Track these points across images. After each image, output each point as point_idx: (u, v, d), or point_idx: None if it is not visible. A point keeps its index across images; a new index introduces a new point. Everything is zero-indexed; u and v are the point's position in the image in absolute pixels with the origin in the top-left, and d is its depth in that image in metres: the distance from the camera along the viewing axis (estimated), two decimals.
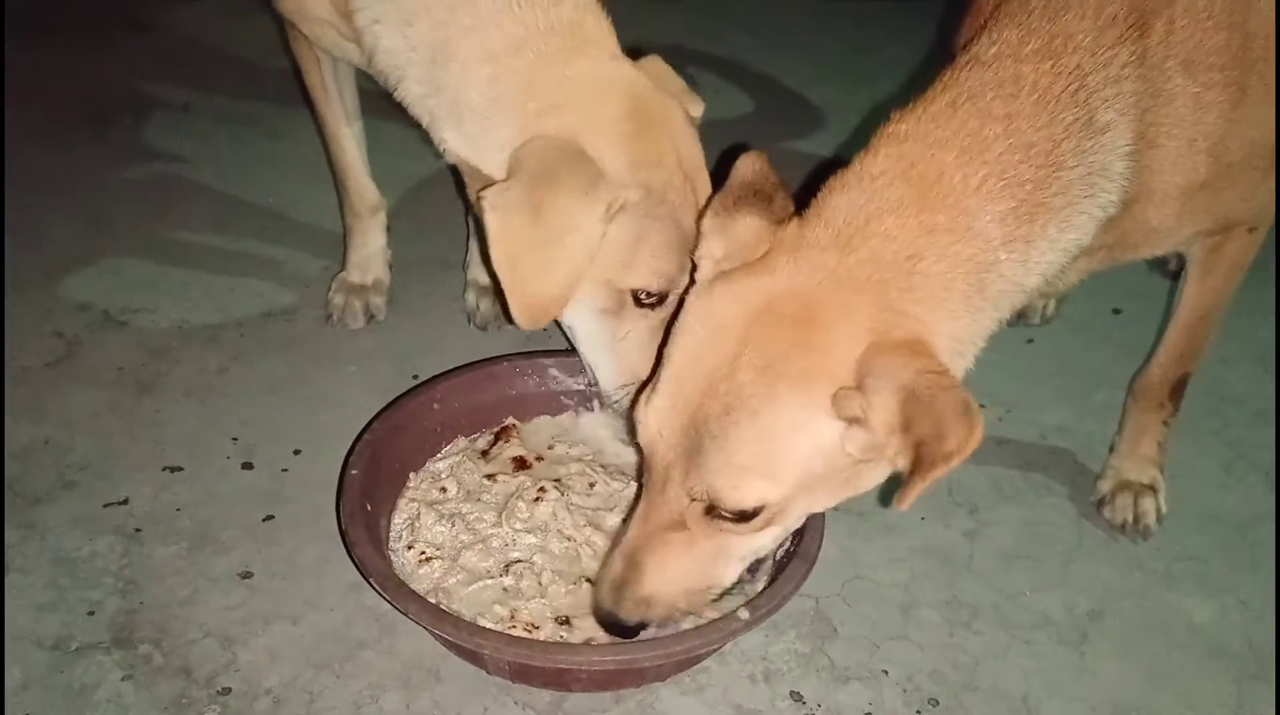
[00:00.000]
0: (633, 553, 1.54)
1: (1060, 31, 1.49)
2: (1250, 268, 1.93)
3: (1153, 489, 2.11)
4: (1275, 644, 1.88)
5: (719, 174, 1.64)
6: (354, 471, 1.83)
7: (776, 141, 3.47)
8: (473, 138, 1.77)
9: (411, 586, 1.68)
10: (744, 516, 1.44)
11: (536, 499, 1.87)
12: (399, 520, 1.89)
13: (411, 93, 1.82)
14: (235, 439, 2.17)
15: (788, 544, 1.75)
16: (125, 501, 2.01)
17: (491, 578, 1.77)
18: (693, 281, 1.56)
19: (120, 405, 2.24)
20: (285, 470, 2.11)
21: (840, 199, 1.43)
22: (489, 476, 1.95)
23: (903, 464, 1.34)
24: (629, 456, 2.03)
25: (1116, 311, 2.74)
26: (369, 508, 1.81)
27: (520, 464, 1.99)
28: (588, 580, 1.78)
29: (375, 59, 1.85)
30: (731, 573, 1.58)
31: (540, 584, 1.76)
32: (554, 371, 2.13)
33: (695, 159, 1.79)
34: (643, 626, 1.59)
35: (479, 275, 2.52)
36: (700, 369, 1.42)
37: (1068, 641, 1.87)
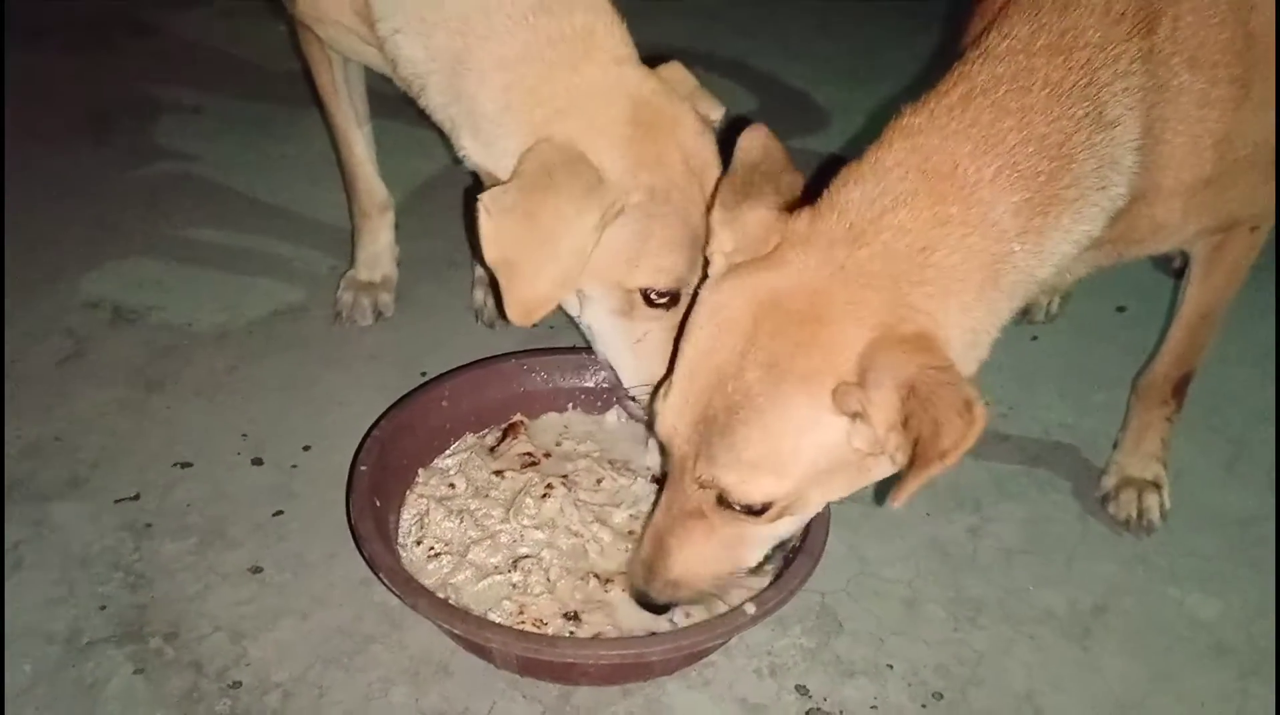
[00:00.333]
0: (659, 537, 1.59)
1: (1070, 27, 1.51)
2: (1252, 267, 1.94)
3: (1156, 485, 2.12)
4: (1277, 640, 1.89)
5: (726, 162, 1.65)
6: (363, 468, 1.85)
7: (781, 140, 3.48)
8: (487, 145, 1.80)
9: (420, 582, 1.69)
10: (753, 510, 1.47)
11: (544, 495, 1.88)
12: (408, 516, 1.90)
13: (433, 101, 1.85)
14: (245, 436, 2.19)
15: (793, 540, 1.77)
16: (136, 497, 2.03)
17: (500, 573, 1.78)
18: (705, 277, 1.57)
19: (130, 403, 2.26)
20: (295, 467, 2.12)
21: (854, 191, 1.44)
22: (497, 473, 1.96)
23: (901, 461, 1.35)
24: (639, 453, 2.05)
25: (1120, 309, 2.75)
26: (378, 504, 1.82)
27: (528, 460, 2.00)
28: (595, 575, 1.79)
29: (398, 68, 1.87)
30: (753, 557, 1.62)
31: (548, 579, 1.77)
32: (561, 369, 2.14)
33: (704, 159, 1.79)
34: (673, 605, 1.65)
35: (486, 273, 2.54)
36: (710, 364, 1.43)
37: (1071, 637, 1.88)
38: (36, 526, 1.95)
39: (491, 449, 2.04)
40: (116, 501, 2.01)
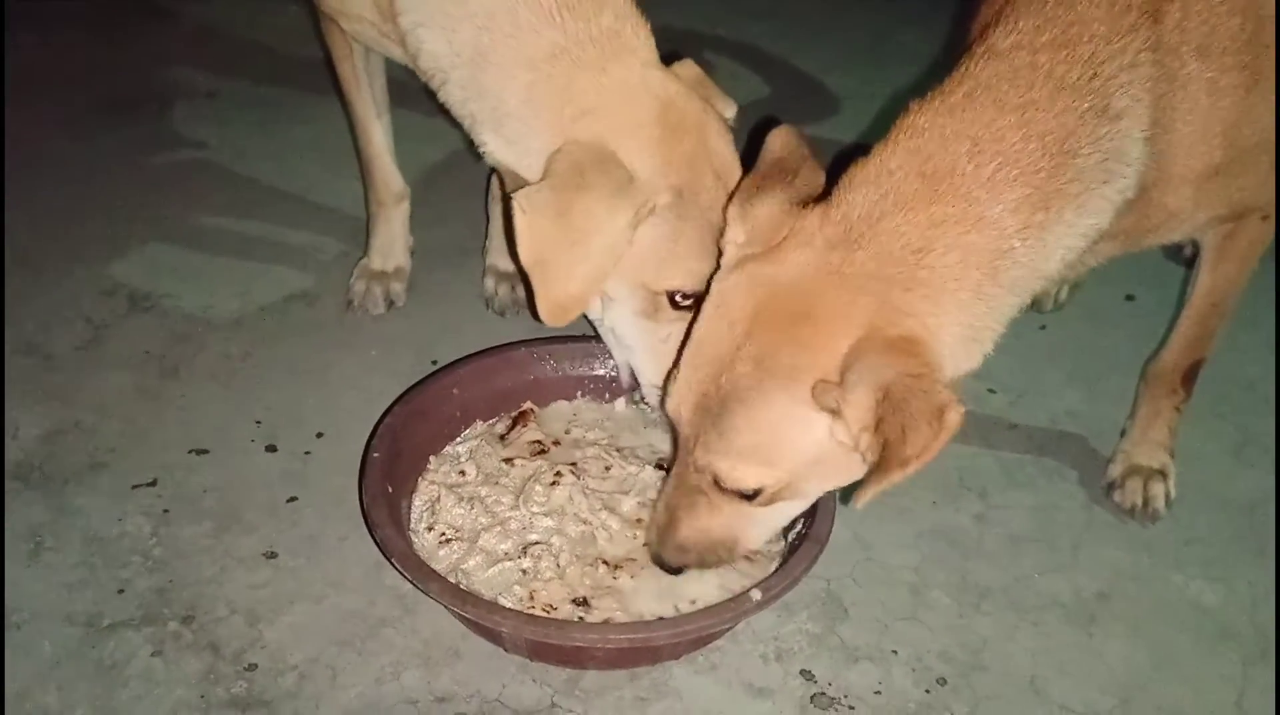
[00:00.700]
0: (670, 507, 1.66)
1: (1075, 20, 1.51)
2: (1264, 255, 1.94)
3: (1163, 474, 2.13)
4: (1278, 626, 1.90)
5: (747, 156, 1.67)
6: (375, 455, 1.87)
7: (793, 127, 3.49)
8: (511, 142, 1.80)
9: (432, 567, 1.71)
10: (745, 495, 1.53)
11: (553, 482, 1.90)
12: (419, 502, 1.93)
13: (454, 96, 1.85)
14: (259, 422, 2.22)
15: (800, 525, 1.79)
16: (153, 483, 2.06)
17: (510, 559, 1.80)
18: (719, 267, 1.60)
19: (147, 389, 2.29)
20: (308, 453, 2.15)
21: (857, 194, 1.47)
22: (507, 460, 1.99)
23: (871, 461, 1.39)
24: (647, 441, 2.08)
25: (1130, 298, 2.74)
26: (390, 490, 1.85)
27: (538, 448, 2.02)
28: (604, 562, 1.82)
29: (419, 61, 1.88)
30: (754, 537, 1.68)
31: (558, 565, 1.80)
32: (571, 357, 2.16)
33: (728, 160, 1.80)
34: (684, 568, 1.71)
35: (497, 261, 2.56)
36: (711, 354, 1.49)
37: (1076, 623, 1.90)
38: (57, 511, 1.99)
39: (502, 436, 2.06)
40: (134, 487, 2.05)
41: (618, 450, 2.04)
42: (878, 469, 1.36)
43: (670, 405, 1.59)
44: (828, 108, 3.65)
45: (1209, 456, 2.27)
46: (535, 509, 1.87)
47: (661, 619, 1.70)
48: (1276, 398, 2.41)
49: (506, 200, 1.73)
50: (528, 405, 2.12)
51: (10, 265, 2.59)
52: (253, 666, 1.73)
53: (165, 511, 2.00)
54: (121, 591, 1.85)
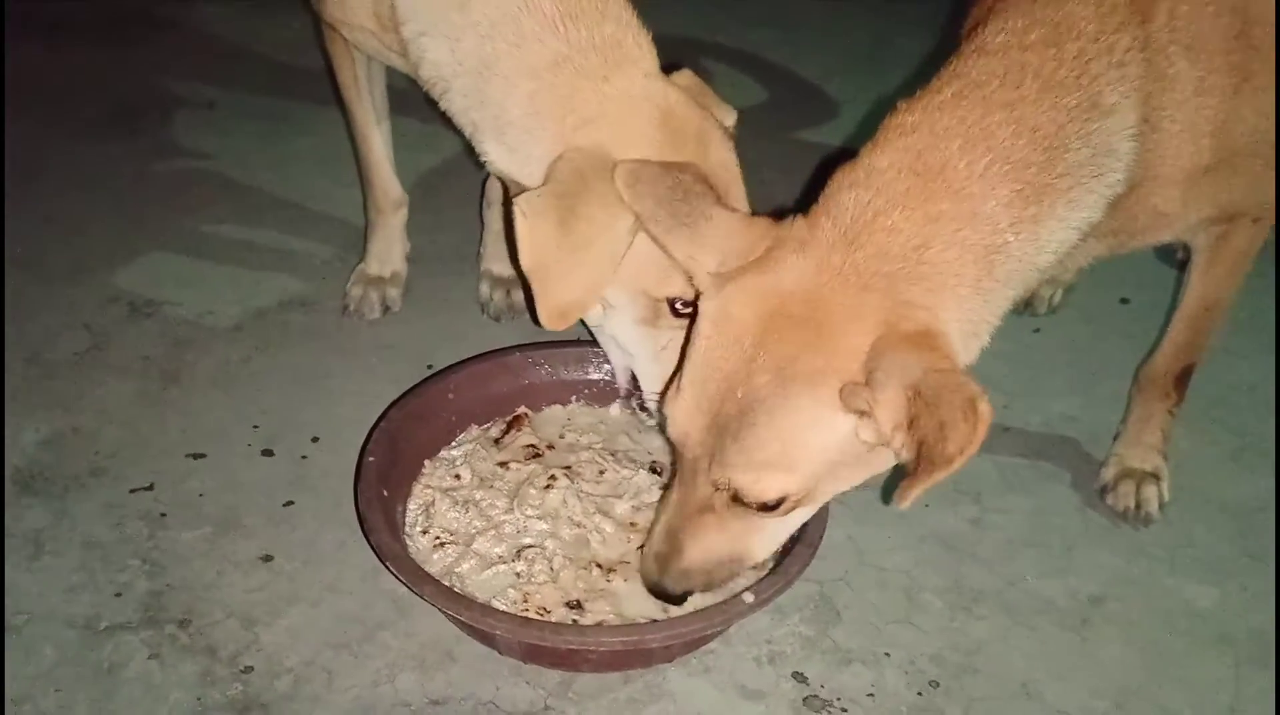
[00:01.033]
0: (672, 532, 1.61)
1: (1064, 19, 1.52)
2: (1257, 257, 1.94)
3: (1155, 477, 2.13)
4: (1275, 629, 1.90)
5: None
6: (371, 459, 1.89)
7: (791, 132, 3.51)
8: (512, 149, 1.81)
9: (427, 571, 1.73)
10: (767, 506, 1.50)
11: (547, 486, 1.91)
12: (414, 506, 1.94)
13: (456, 104, 1.87)
14: (257, 427, 2.23)
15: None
16: (151, 487, 2.08)
17: (504, 563, 1.82)
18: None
19: (146, 395, 2.31)
20: (305, 457, 2.17)
21: (847, 195, 1.46)
22: (501, 464, 2.00)
23: (906, 458, 1.37)
24: (641, 445, 2.09)
25: (1124, 301, 2.75)
26: (385, 494, 1.86)
27: (532, 452, 2.03)
28: (597, 565, 1.83)
29: (421, 70, 1.89)
30: (763, 550, 1.65)
31: (552, 569, 1.81)
32: (565, 362, 2.18)
33: (730, 171, 1.81)
34: (688, 594, 1.67)
35: (493, 267, 2.57)
36: (719, 371, 1.46)
37: (1069, 626, 1.90)
38: (56, 516, 2.00)
39: (496, 441, 2.07)
40: (133, 491, 2.06)
41: (612, 454, 2.05)
42: (922, 469, 1.33)
43: (675, 429, 1.54)
44: (827, 113, 3.67)
45: (1204, 460, 2.27)
46: (529, 512, 1.88)
47: (655, 622, 1.71)
48: (1277, 402, 2.41)
49: (508, 206, 1.74)
50: (522, 410, 2.13)
51: (11, 272, 2.61)
52: (249, 669, 1.74)
53: (163, 515, 2.02)
54: (119, 595, 1.86)
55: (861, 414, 1.39)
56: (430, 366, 2.38)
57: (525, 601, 1.76)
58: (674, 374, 1.60)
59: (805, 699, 1.74)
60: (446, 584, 1.73)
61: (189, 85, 3.58)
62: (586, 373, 2.18)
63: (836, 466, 1.48)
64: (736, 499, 1.51)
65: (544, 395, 2.17)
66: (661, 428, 1.66)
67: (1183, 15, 1.56)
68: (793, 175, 2.91)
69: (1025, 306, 2.63)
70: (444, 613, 1.72)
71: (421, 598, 1.68)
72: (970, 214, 1.44)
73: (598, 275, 1.74)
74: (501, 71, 1.78)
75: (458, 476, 1.97)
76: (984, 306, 1.47)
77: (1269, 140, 1.67)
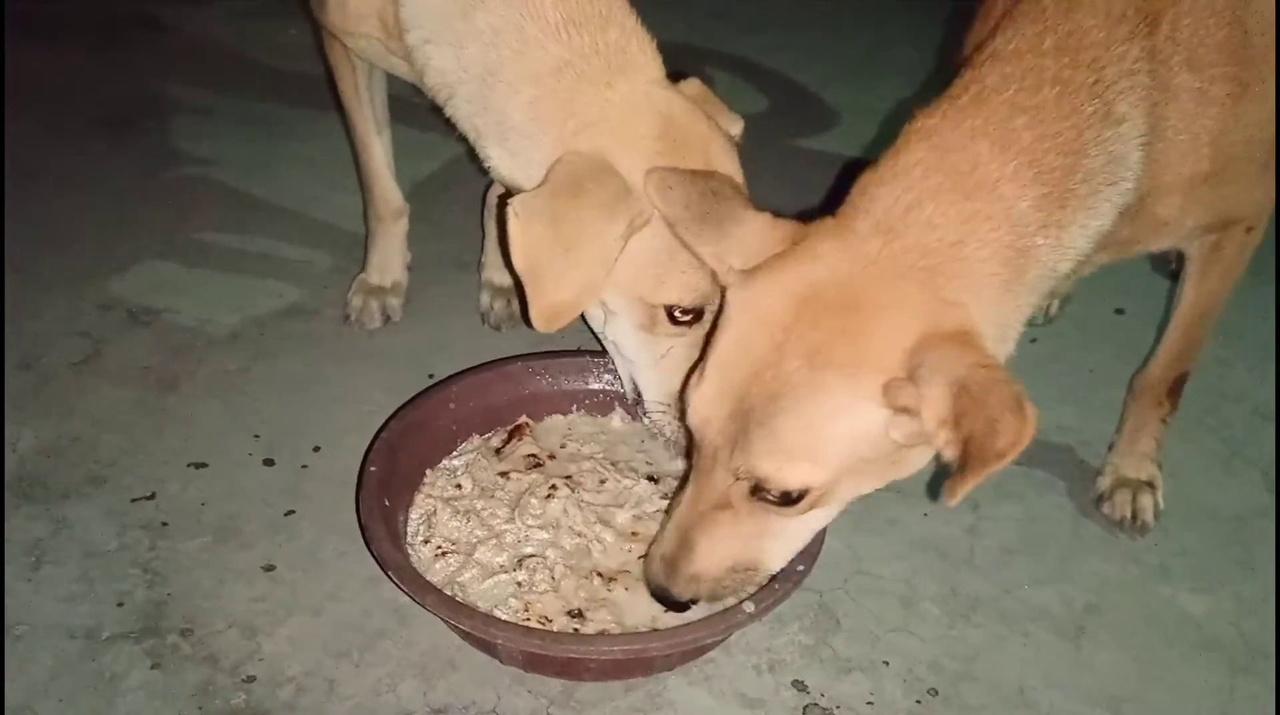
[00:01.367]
0: (684, 531, 1.58)
1: (1075, 27, 1.53)
2: (1250, 266, 1.96)
3: (1151, 486, 2.15)
4: (1276, 638, 1.92)
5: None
6: (372, 468, 1.89)
7: (790, 140, 3.52)
8: (514, 155, 1.82)
9: (428, 580, 1.73)
10: (788, 499, 1.47)
11: (548, 496, 1.92)
12: (416, 516, 1.95)
13: (460, 110, 1.87)
14: (257, 436, 2.24)
15: None
16: (152, 496, 2.08)
17: (505, 572, 1.82)
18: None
19: (145, 403, 2.31)
20: (305, 467, 2.17)
21: (877, 191, 1.46)
22: (503, 474, 2.01)
23: (951, 455, 1.35)
24: (642, 455, 2.10)
25: (1119, 311, 2.77)
26: (387, 503, 1.87)
27: (533, 462, 2.04)
28: (598, 574, 1.84)
29: (425, 76, 1.89)
30: (778, 556, 1.62)
31: (553, 578, 1.82)
32: (566, 372, 2.18)
33: (732, 176, 1.81)
34: (694, 602, 1.64)
35: (493, 276, 2.58)
36: (746, 357, 1.44)
37: (1064, 634, 1.92)
38: (57, 525, 2.00)
39: (497, 450, 2.08)
40: (133, 500, 2.06)
41: (613, 464, 2.06)
42: (972, 465, 1.31)
43: (696, 416, 1.51)
44: (826, 121, 3.68)
45: (1197, 469, 2.29)
46: (530, 522, 1.89)
47: (655, 631, 1.72)
48: (1276, 413, 2.44)
49: (502, 208, 1.75)
50: (523, 419, 2.14)
51: (8, 279, 2.61)
52: (251, 679, 1.75)
53: (164, 525, 2.02)
54: (120, 604, 1.86)
55: (901, 411, 1.37)
56: (431, 376, 2.38)
57: (527, 610, 1.76)
58: (696, 362, 1.57)
59: (805, 707, 1.76)
60: (448, 593, 1.74)
61: (185, 90, 3.58)
62: (587, 382, 2.19)
63: (862, 462, 1.45)
64: (755, 491, 1.48)
65: (545, 405, 2.18)
66: (682, 416, 1.61)
67: (1184, 27, 1.57)
68: (791, 183, 2.92)
69: None
70: (446, 622, 1.73)
71: (423, 607, 1.68)
72: (1004, 214, 1.43)
73: (589, 277, 1.74)
74: (505, 77, 1.79)
75: (459, 486, 1.98)
76: (1013, 311, 1.47)
77: (1265, 149, 1.70)
